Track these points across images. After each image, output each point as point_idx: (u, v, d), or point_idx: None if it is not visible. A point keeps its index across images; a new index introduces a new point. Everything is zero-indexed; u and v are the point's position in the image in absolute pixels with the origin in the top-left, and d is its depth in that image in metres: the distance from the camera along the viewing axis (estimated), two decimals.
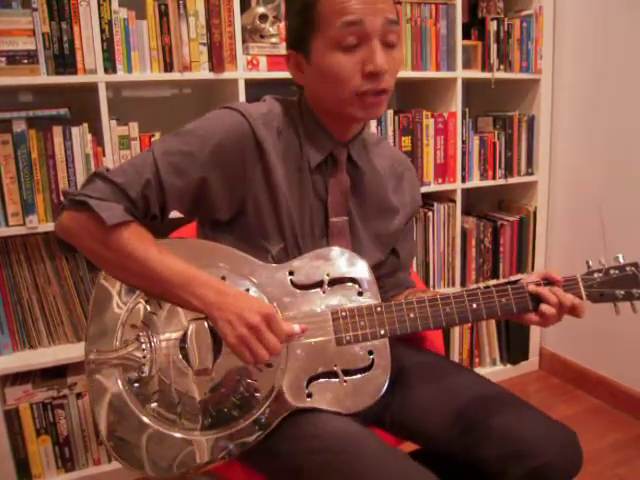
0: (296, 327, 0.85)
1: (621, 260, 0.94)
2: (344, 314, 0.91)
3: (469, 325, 2.12)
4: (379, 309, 0.91)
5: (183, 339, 0.89)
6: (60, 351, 1.56)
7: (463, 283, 2.06)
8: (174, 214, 0.97)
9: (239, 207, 0.95)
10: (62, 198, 0.91)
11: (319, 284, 0.93)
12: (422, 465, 0.84)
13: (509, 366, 2.24)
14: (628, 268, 0.93)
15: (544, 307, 0.91)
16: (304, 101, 0.99)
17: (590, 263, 0.95)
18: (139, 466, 0.90)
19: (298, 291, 0.93)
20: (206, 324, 0.87)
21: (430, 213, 1.96)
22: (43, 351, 1.57)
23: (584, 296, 0.93)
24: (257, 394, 0.90)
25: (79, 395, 1.59)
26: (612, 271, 0.94)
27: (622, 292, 0.93)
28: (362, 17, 0.85)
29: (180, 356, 0.90)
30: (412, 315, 0.92)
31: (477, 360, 2.20)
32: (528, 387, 2.18)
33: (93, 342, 0.93)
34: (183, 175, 0.90)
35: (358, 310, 0.91)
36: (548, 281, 0.93)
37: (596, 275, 0.94)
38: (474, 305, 0.92)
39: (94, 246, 0.87)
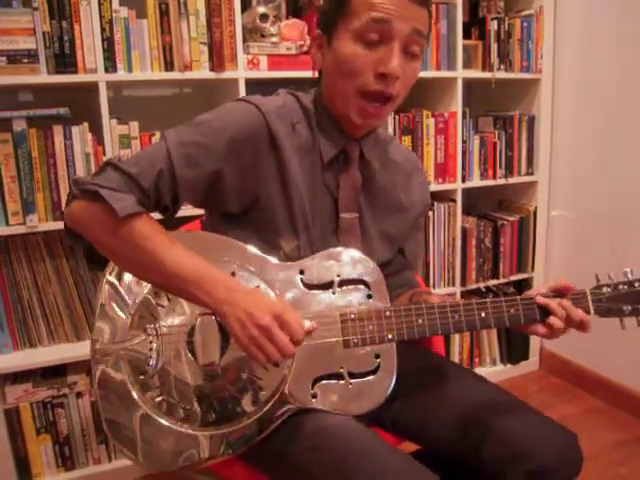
0: (307, 323, 0.83)
1: (629, 275, 0.93)
2: (353, 316, 0.90)
3: None
4: (388, 313, 0.91)
5: (191, 333, 0.89)
6: (60, 350, 1.56)
7: (463, 283, 2.06)
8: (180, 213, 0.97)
9: (251, 201, 0.95)
10: (72, 186, 0.88)
11: (329, 285, 0.93)
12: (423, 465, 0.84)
13: (509, 366, 2.24)
14: (637, 284, 0.93)
15: (552, 319, 0.90)
16: (319, 96, 0.99)
17: (599, 277, 0.95)
18: (141, 458, 0.90)
19: (308, 291, 0.93)
20: (214, 318, 0.86)
21: (430, 213, 1.96)
22: (43, 350, 1.56)
23: (592, 310, 0.92)
24: (262, 392, 0.90)
25: (79, 394, 1.59)
26: (621, 286, 0.93)
27: (629, 307, 0.92)
28: (391, 18, 0.85)
29: (187, 350, 0.90)
30: (420, 321, 0.91)
31: (477, 360, 2.20)
32: (528, 387, 2.18)
33: (100, 333, 0.93)
34: (196, 166, 0.90)
35: (367, 313, 0.91)
36: (557, 294, 0.93)
37: (605, 290, 0.93)
38: (483, 314, 0.92)
39: (104, 237, 0.86)
